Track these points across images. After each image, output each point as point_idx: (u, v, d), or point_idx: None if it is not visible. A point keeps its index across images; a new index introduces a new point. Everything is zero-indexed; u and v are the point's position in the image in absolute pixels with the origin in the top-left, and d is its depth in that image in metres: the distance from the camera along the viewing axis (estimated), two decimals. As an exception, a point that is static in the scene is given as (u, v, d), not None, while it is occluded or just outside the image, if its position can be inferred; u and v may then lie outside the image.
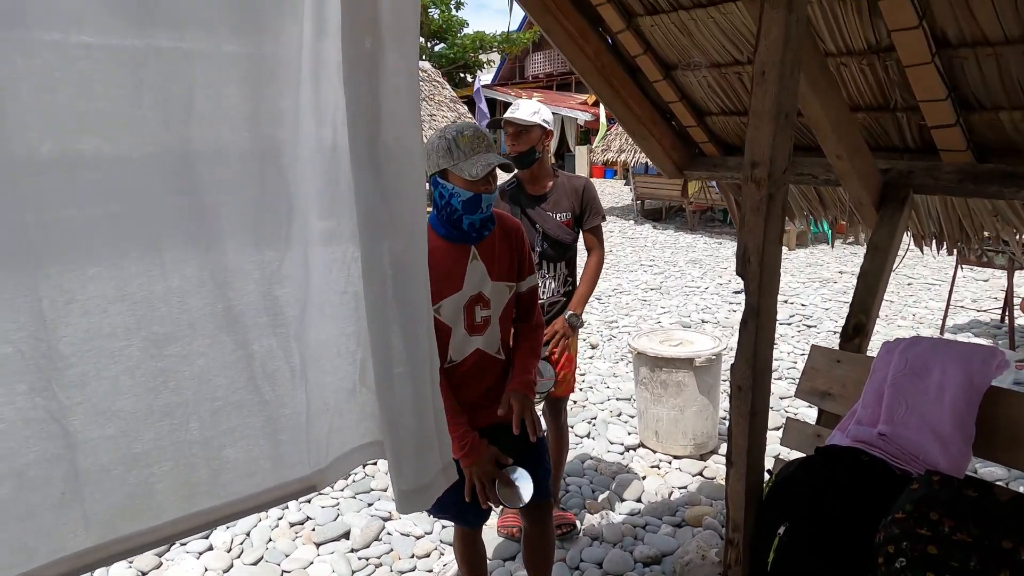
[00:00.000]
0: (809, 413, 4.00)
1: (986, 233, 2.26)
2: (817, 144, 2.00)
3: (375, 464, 3.57)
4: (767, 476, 1.72)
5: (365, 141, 0.94)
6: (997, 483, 1.42)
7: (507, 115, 2.63)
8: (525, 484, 1.90)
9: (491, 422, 1.97)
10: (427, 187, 1.29)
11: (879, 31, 1.81)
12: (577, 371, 5.06)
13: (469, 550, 2.23)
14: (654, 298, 7.14)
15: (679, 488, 3.41)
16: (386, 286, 1.00)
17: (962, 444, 1.48)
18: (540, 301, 2.78)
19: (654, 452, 3.76)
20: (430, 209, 1.90)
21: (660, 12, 2.18)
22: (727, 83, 2.30)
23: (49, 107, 0.72)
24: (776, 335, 5.66)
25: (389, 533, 3.09)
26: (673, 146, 2.78)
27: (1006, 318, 5.32)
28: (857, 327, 1.92)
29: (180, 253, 0.86)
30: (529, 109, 2.63)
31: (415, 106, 0.99)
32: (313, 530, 3.11)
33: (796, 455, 1.83)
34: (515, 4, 2.33)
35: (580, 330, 2.93)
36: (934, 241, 2.25)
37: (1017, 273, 5.34)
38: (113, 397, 0.84)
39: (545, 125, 2.65)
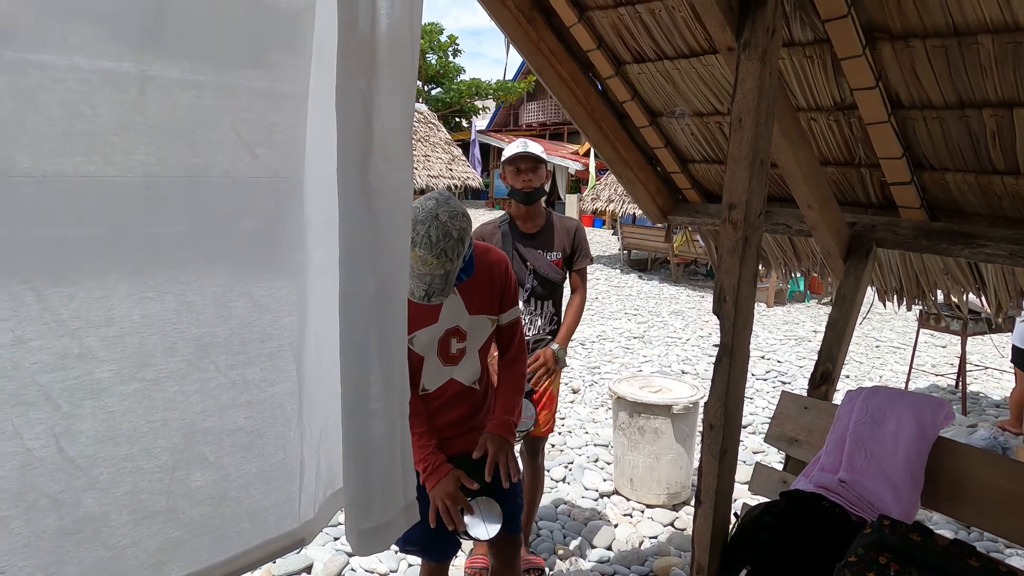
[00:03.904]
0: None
1: (953, 299, 2.32)
2: (791, 195, 2.06)
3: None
4: (733, 520, 1.71)
5: (356, 168, 0.91)
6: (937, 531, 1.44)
7: (523, 149, 2.68)
8: (493, 516, 1.85)
9: (461, 451, 1.95)
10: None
11: (843, 89, 1.90)
12: (557, 414, 5.03)
13: (435, 587, 2.16)
14: (637, 346, 7.16)
15: (650, 538, 3.36)
16: (368, 317, 0.96)
17: (912, 492, 1.50)
18: (527, 338, 2.80)
19: (628, 500, 3.72)
20: None
21: (646, 60, 2.26)
22: (708, 132, 2.38)
23: (30, 125, 0.70)
24: (752, 390, 5.72)
25: (353, 570, 3.01)
26: (658, 191, 2.85)
27: (959, 384, 5.40)
28: (824, 375, 1.95)
29: (173, 277, 0.82)
30: (538, 148, 2.75)
31: (407, 137, 0.97)
32: (274, 562, 3.01)
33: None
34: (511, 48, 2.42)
35: (563, 372, 2.95)
36: (895, 296, 2.31)
37: (970, 340, 5.44)
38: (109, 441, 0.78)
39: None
